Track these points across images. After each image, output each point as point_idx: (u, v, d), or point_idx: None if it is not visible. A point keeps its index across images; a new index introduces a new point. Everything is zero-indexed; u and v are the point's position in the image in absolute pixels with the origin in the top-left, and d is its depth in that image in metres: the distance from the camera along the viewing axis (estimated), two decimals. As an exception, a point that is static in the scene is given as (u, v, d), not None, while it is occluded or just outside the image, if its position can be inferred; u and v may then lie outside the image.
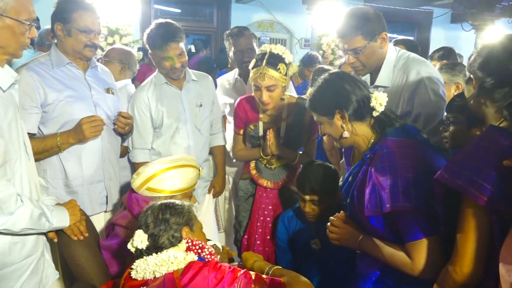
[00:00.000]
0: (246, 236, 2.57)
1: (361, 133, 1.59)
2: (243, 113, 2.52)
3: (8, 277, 1.60)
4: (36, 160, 2.01)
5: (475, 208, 1.17)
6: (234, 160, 2.98)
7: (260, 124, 2.48)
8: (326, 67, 4.23)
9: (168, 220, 1.51)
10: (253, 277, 1.42)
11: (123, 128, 2.30)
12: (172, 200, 1.61)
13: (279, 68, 2.20)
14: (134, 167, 2.51)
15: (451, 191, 1.21)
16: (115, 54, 2.90)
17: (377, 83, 2.12)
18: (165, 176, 1.91)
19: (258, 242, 2.52)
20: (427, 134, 1.86)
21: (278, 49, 2.24)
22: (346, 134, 1.58)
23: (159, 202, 1.59)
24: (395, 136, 1.50)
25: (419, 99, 2.00)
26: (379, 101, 1.54)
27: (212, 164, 2.86)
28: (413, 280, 1.45)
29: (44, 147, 2.06)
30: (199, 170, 2.09)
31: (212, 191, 2.80)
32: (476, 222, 1.17)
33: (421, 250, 1.38)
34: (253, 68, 2.26)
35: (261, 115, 2.46)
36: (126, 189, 2.10)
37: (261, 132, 2.47)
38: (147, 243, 1.47)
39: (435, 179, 1.22)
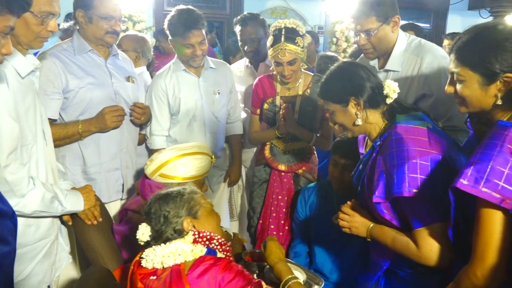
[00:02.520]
0: (260, 221, 2.59)
1: (373, 121, 1.59)
2: (261, 90, 2.55)
3: (21, 258, 1.64)
4: (56, 146, 2.05)
5: (496, 210, 1.13)
6: (246, 146, 2.98)
7: (277, 98, 2.50)
8: (330, 54, 4.19)
9: (166, 215, 1.47)
10: (263, 287, 1.37)
11: (139, 118, 2.31)
12: (170, 190, 1.56)
13: (297, 42, 2.30)
14: (152, 153, 2.53)
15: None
16: (129, 43, 2.91)
17: (387, 67, 2.12)
18: (178, 162, 1.92)
19: (272, 226, 2.54)
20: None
21: (292, 23, 2.34)
22: (359, 121, 1.57)
23: (157, 195, 1.54)
24: (405, 123, 1.50)
25: (438, 82, 1.98)
26: (392, 89, 1.55)
27: (228, 152, 2.86)
28: (424, 271, 1.45)
29: (66, 134, 2.09)
30: (212, 158, 2.09)
31: (227, 180, 2.81)
32: (497, 225, 1.13)
33: (428, 236, 1.37)
34: (272, 45, 2.33)
35: (278, 90, 2.50)
36: (142, 176, 2.12)
37: (278, 107, 2.50)
38: (150, 233, 1.47)
39: (454, 187, 1.17)
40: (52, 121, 2.07)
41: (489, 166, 1.11)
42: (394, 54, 2.09)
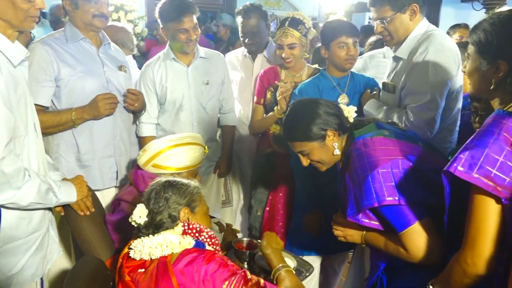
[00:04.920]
0: (267, 208, 2.62)
1: (344, 145, 1.63)
2: (266, 80, 2.64)
3: (14, 251, 1.63)
4: (50, 133, 2.06)
5: (489, 198, 1.13)
6: (248, 136, 2.98)
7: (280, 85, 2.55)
8: None
9: (168, 199, 1.49)
10: (248, 277, 1.37)
11: (133, 104, 2.31)
12: (179, 179, 1.58)
13: (299, 29, 2.47)
14: (140, 141, 2.53)
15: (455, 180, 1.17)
16: (107, 34, 2.89)
17: (396, 53, 2.13)
18: (171, 153, 1.92)
19: (281, 212, 2.58)
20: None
21: (299, 15, 2.54)
22: (337, 151, 1.61)
23: (164, 179, 1.56)
24: (362, 137, 1.55)
25: (416, 73, 1.97)
26: (348, 111, 1.64)
27: (220, 144, 2.85)
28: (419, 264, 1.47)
29: (59, 122, 2.08)
30: (205, 149, 2.09)
31: (217, 172, 2.80)
32: (489, 212, 1.13)
33: (412, 238, 1.40)
34: (277, 29, 2.50)
35: (282, 77, 2.60)
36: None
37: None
38: (145, 218, 1.47)
39: (446, 171, 1.17)
40: (44, 109, 2.07)
41: (484, 153, 1.12)
42: (406, 41, 2.07)
